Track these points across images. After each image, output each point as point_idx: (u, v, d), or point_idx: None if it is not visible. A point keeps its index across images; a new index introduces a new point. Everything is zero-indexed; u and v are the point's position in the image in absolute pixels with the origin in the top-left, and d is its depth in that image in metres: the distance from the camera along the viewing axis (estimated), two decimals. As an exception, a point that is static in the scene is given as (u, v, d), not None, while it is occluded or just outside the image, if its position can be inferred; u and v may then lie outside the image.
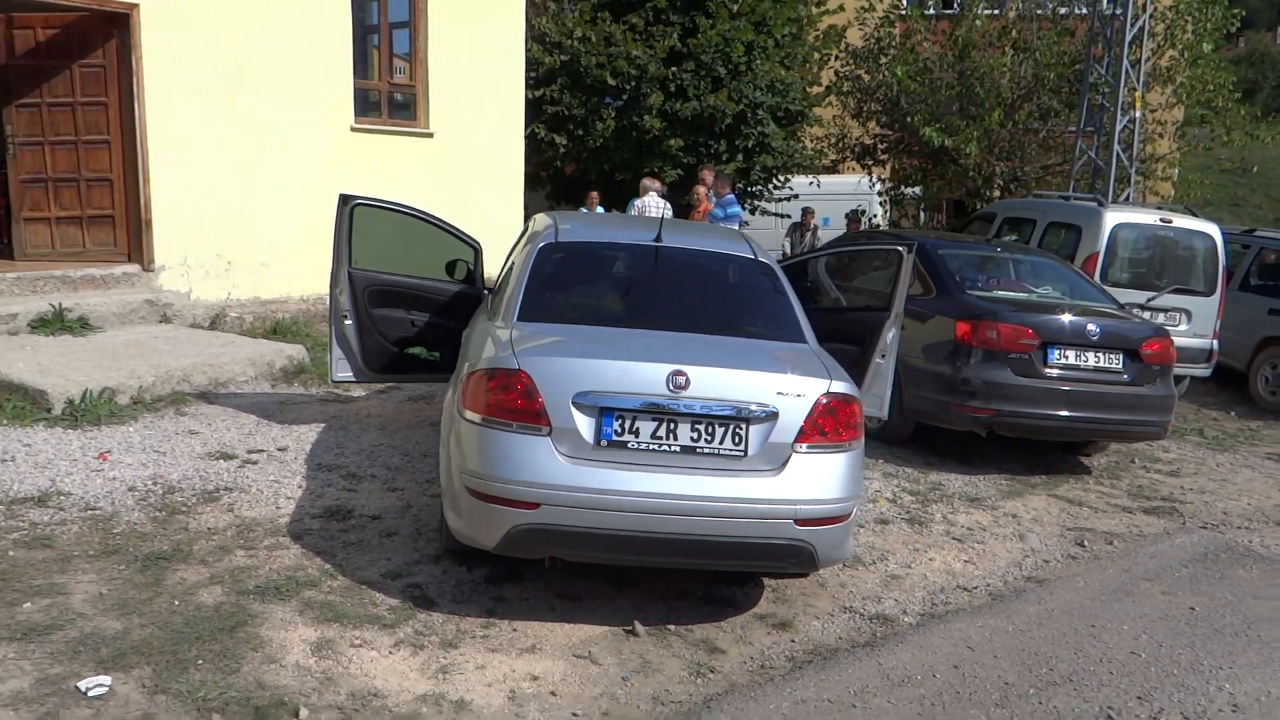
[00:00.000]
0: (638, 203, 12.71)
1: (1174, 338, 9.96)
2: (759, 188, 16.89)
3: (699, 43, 14.84)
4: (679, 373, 4.07)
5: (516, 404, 4.08)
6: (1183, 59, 15.36)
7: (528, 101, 15.51)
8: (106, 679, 3.61)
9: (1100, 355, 7.05)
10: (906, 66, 15.67)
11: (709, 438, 4.11)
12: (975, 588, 5.18)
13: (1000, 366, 6.92)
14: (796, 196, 17.85)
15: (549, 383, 4.07)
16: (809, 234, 16.88)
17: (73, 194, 9.40)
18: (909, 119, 15.76)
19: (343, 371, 6.57)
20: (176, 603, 4.27)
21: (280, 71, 10.16)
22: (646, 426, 4.09)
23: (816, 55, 16.77)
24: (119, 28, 9.10)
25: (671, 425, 4.10)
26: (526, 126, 15.86)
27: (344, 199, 6.30)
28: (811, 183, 18.45)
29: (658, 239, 5.08)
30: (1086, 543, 5.96)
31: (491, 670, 3.96)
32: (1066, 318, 7.13)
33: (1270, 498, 7.27)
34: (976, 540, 5.87)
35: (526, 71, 15.53)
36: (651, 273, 5.10)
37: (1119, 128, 14.42)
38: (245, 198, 10.08)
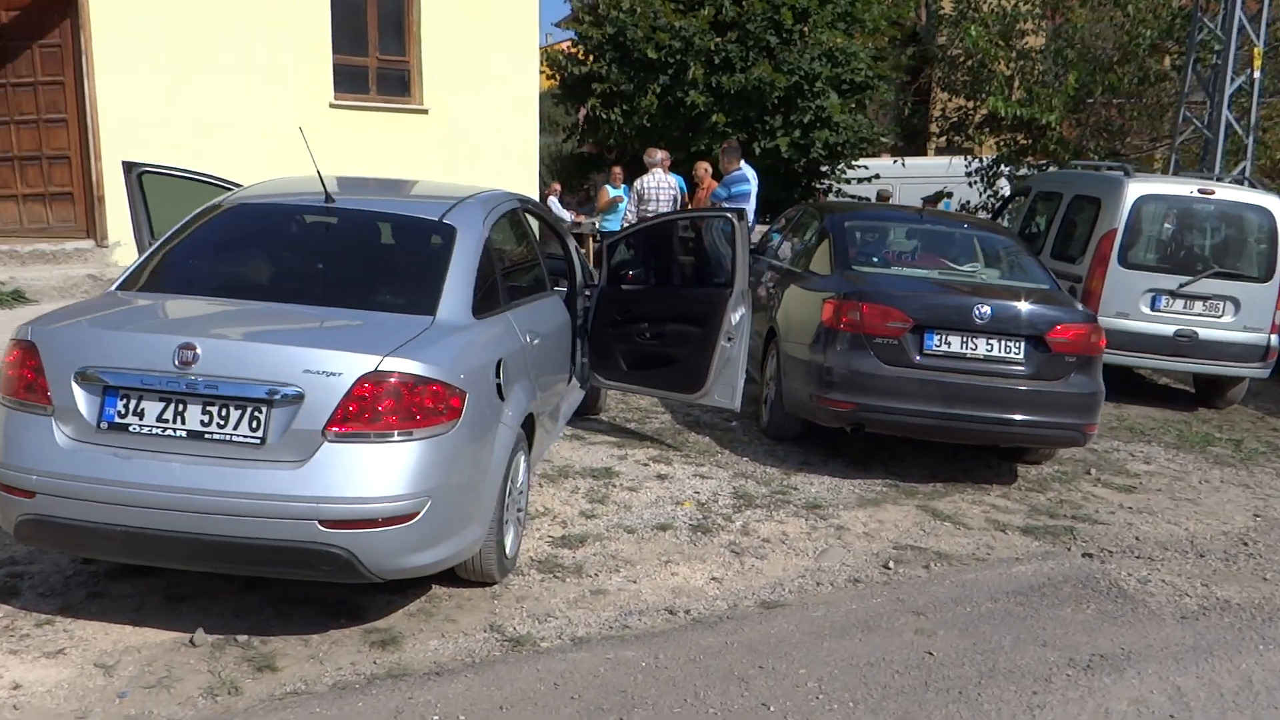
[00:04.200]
0: (638, 183, 11.96)
1: (1218, 330, 8.57)
2: (826, 166, 15.68)
3: (742, 11, 13.90)
4: (188, 346, 3.47)
5: (27, 379, 3.60)
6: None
7: (579, 78, 15.08)
8: None
9: (993, 342, 5.87)
10: (985, 28, 14.08)
11: (222, 422, 3.48)
12: (688, 610, 4.30)
13: (866, 353, 5.87)
14: (877, 177, 16.56)
15: (54, 356, 3.57)
16: (881, 216, 15.59)
17: (37, 171, 9.65)
18: (987, 88, 14.21)
19: None
20: None
21: (247, 47, 10.11)
22: (153, 407, 3.51)
23: (884, 23, 15.39)
24: (70, 6, 9.22)
25: (180, 407, 3.50)
26: (583, 104, 15.43)
27: (128, 166, 6.00)
28: (896, 162, 17.10)
29: (328, 199, 4.47)
30: (894, 564, 4.91)
31: (-25, 674, 3.50)
32: (950, 297, 6.00)
33: (1225, 524, 5.88)
34: (757, 555, 4.94)
35: (576, 45, 15.13)
36: (306, 237, 4.52)
37: (1229, 91, 12.48)
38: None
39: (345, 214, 4.50)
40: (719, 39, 14.01)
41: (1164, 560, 5.22)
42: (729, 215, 5.85)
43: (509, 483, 4.25)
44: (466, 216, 4.55)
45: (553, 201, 15.00)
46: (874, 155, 16.91)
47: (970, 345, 5.86)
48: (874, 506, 5.72)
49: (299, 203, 4.63)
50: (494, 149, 11.93)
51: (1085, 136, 14.59)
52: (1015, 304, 5.97)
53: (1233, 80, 12.40)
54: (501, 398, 4.07)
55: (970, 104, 15.30)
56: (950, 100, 16.12)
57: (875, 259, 6.62)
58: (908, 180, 17.22)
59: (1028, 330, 5.87)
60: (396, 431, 3.52)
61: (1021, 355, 5.87)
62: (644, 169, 12.43)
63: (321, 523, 3.41)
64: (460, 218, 4.51)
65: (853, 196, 16.55)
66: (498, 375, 4.04)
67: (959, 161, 16.90)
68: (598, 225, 13.71)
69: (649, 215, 11.69)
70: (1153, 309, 8.60)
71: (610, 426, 6.94)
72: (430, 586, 4.31)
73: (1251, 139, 12.73)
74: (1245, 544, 5.54)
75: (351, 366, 3.48)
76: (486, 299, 4.35)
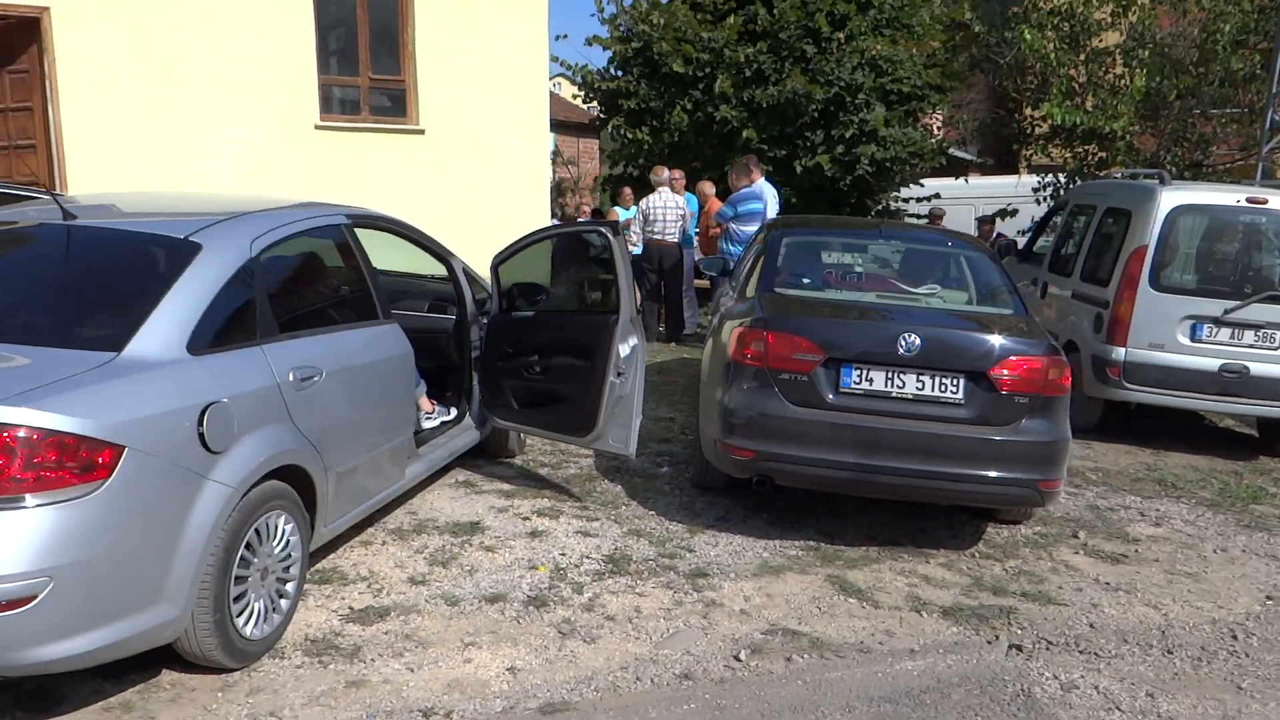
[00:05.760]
0: (643, 203, 11.21)
1: (1275, 365, 7.32)
2: (883, 184, 14.53)
3: (771, 19, 13.01)
4: None
5: None
6: None
7: (606, 94, 14.43)
8: None
9: (924, 379, 4.87)
10: (1046, 30, 12.82)
11: None
12: (449, 713, 3.49)
13: (771, 391, 4.95)
14: (937, 196, 15.35)
15: None
16: (934, 238, 14.40)
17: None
18: (1048, 94, 12.93)
19: None
20: None
21: (225, 70, 9.74)
22: None
23: (937, 28, 14.17)
24: (35, 30, 9.02)
25: None
26: (606, 122, 14.77)
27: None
28: (960, 179, 15.90)
29: (68, 216, 3.87)
30: (749, 654, 3.99)
31: None
32: (872, 324, 5.03)
33: (1222, 608, 4.75)
34: (588, 637, 4.09)
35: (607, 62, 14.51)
36: (17, 260, 3.89)
37: (1321, 89, 11.03)
38: (186, 200, 9.74)
39: (78, 233, 3.87)
40: (750, 49, 13.12)
41: (1114, 657, 4.15)
42: (602, 231, 5.05)
43: (238, 552, 3.52)
44: (226, 234, 3.87)
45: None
46: (956, 172, 15.76)
47: (897, 382, 4.89)
48: (772, 575, 4.79)
49: (43, 220, 4.02)
50: (497, 170, 11.34)
51: (1165, 146, 13.14)
52: (952, 333, 4.98)
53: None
54: (209, 449, 3.36)
55: (1034, 113, 14.03)
56: (1013, 108, 14.90)
57: (807, 280, 5.69)
58: (975, 200, 15.99)
59: (967, 365, 4.86)
60: (10, 496, 2.84)
61: (960, 395, 4.87)
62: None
63: (-103, 609, 2.76)
64: (215, 236, 3.83)
65: (914, 216, 15.41)
66: (201, 423, 3.33)
67: (1030, 179, 15.59)
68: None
69: (655, 237, 10.95)
70: (1193, 339, 7.38)
71: (519, 471, 6.16)
72: (159, 671, 3.62)
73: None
74: (1234, 637, 4.41)
75: (-63, 416, 2.83)
76: (228, 330, 3.66)
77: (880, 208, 15.17)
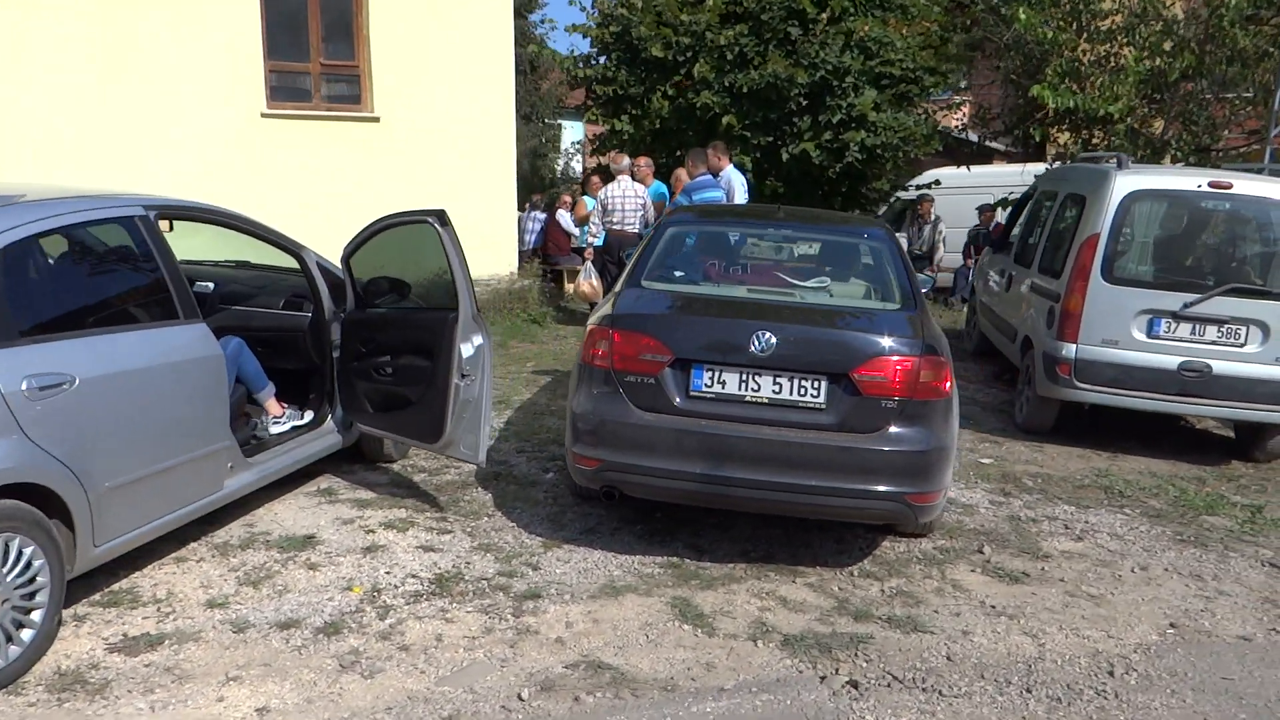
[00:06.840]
0: (602, 192, 10.81)
1: (1239, 363, 6.74)
2: (875, 171, 13.95)
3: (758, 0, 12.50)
4: None
5: None
6: None
7: (583, 81, 14.06)
8: None
9: (782, 381, 4.42)
10: (1041, 7, 12.12)
11: None
12: (165, 760, 3.14)
13: (617, 395, 4.53)
14: (937, 183, 14.75)
15: None
16: (928, 226, 13.84)
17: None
18: (1042, 76, 12.25)
19: None
20: None
21: (168, 55, 9.50)
22: None
23: (936, 9, 13.49)
24: (-34, 17, 8.86)
25: None
26: (582, 112, 14.37)
27: None
28: (962, 169, 15.26)
29: None
30: (536, 692, 3.59)
31: None
32: (724, 321, 4.56)
33: (1113, 638, 4.25)
34: (367, 671, 3.71)
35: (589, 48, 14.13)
36: None
37: (1331, 66, 10.27)
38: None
39: None
40: (731, 32, 12.60)
41: (959, 696, 3.68)
42: (428, 221, 4.65)
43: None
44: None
45: (562, 215, 13.99)
46: (959, 160, 15.13)
47: (752, 385, 4.44)
48: (610, 598, 4.37)
49: None
50: (458, 158, 10.99)
51: (1169, 130, 12.39)
52: (812, 330, 4.51)
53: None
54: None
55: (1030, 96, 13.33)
56: (1015, 93, 14.21)
57: (680, 273, 5.23)
58: (988, 188, 15.33)
59: (828, 365, 4.39)
60: None
61: (822, 399, 4.40)
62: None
63: None
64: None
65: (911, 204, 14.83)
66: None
67: (1036, 167, 14.89)
68: (576, 239, 12.66)
69: (615, 227, 10.55)
70: (1150, 335, 6.82)
71: (392, 478, 5.79)
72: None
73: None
74: (1111, 673, 3.91)
75: None
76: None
77: (890, 200, 14.67)
